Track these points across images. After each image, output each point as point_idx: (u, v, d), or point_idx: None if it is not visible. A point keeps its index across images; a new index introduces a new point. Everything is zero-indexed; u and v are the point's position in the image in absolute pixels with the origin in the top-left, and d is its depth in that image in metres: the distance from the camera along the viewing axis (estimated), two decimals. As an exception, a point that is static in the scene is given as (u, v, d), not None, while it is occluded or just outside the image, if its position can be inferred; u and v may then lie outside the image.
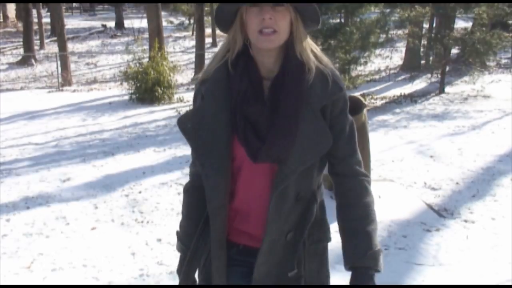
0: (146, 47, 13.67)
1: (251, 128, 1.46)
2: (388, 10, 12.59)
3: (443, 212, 4.55)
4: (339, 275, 3.43)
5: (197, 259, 1.63)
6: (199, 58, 16.42)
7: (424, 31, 14.23)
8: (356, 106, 4.50)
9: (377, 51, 13.15)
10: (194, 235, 1.64)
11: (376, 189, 5.00)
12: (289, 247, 1.54)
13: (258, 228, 1.53)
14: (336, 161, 1.56)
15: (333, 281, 3.48)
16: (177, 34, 25.83)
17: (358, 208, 1.55)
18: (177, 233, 1.78)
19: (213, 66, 1.54)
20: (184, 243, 1.70)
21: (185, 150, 6.98)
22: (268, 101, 1.47)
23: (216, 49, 23.41)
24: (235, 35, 1.49)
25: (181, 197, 5.10)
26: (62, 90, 14.17)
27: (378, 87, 13.84)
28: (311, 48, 1.53)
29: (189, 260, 1.63)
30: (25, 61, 18.90)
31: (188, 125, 1.53)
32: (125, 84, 12.47)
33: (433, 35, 13.28)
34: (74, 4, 43.45)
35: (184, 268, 1.64)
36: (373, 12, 13.38)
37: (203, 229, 1.61)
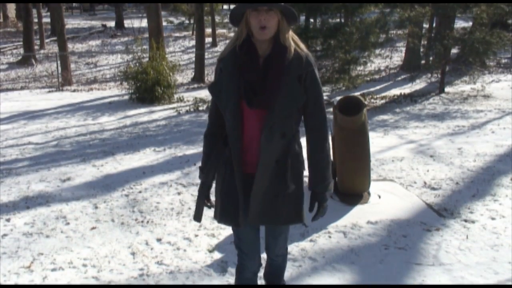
0: (146, 47, 13.67)
1: (249, 87, 2.29)
2: (387, 10, 12.59)
3: (443, 212, 4.55)
4: (339, 275, 3.44)
5: (212, 176, 2.48)
6: (199, 57, 16.43)
7: (424, 31, 14.23)
8: (356, 106, 4.50)
9: (377, 51, 13.14)
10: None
11: (376, 189, 5.00)
12: (277, 170, 2.35)
13: (254, 157, 2.34)
14: (307, 115, 2.38)
15: (333, 281, 3.49)
16: (177, 34, 25.84)
17: (321, 152, 2.41)
18: (200, 167, 2.56)
19: (228, 49, 2.36)
20: (203, 170, 2.52)
21: (185, 150, 6.98)
22: (262, 69, 2.29)
23: (216, 49, 23.48)
24: (242, 29, 2.30)
25: (181, 196, 5.10)
26: (62, 90, 14.17)
27: (378, 87, 13.85)
28: (292, 38, 2.33)
29: (206, 176, 2.48)
30: (25, 61, 18.91)
31: (214, 89, 2.38)
32: (125, 84, 12.48)
33: (433, 35, 13.28)
34: (74, 4, 43.47)
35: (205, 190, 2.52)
36: (373, 12, 13.38)
37: (217, 155, 2.44)
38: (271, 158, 2.32)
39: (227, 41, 2.51)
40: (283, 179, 2.37)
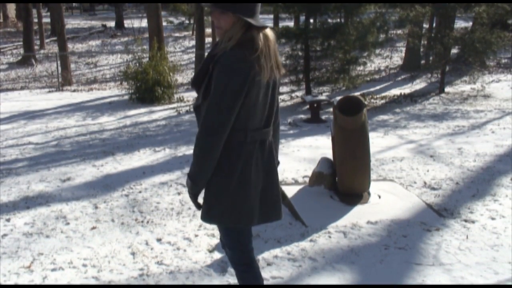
0: (146, 47, 13.67)
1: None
2: (384, 10, 12.59)
3: (443, 212, 4.55)
4: (339, 275, 3.44)
5: None
6: (199, 57, 16.41)
7: (424, 31, 14.23)
8: (356, 106, 4.50)
9: (377, 51, 13.15)
10: None
11: (376, 189, 5.00)
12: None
13: None
14: None
15: (333, 281, 3.49)
16: (177, 34, 25.83)
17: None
18: None
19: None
20: None
21: (185, 150, 6.98)
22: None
23: (216, 49, 23.44)
24: None
25: (181, 196, 5.10)
26: (62, 90, 14.17)
27: (378, 87, 13.85)
28: (232, 37, 2.26)
29: None
30: (25, 61, 18.90)
31: None
32: (125, 84, 12.48)
33: (433, 35, 13.28)
34: (74, 4, 43.47)
35: None
36: (373, 11, 13.37)
37: None
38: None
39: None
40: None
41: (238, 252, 2.52)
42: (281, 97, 12.04)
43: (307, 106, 9.90)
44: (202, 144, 2.27)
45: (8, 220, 4.46)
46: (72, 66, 17.60)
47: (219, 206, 2.36)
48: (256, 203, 2.40)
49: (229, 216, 2.37)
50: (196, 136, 2.29)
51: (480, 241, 3.95)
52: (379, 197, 4.83)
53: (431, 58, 14.33)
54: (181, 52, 22.00)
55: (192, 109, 10.41)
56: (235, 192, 2.33)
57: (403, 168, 5.98)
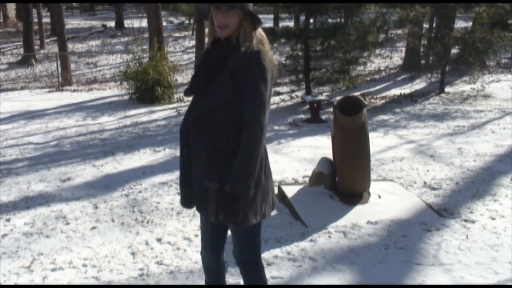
0: (146, 47, 13.66)
1: (194, 76, 2.41)
2: (384, 10, 12.59)
3: (443, 212, 4.55)
4: (339, 275, 3.44)
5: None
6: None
7: (424, 31, 14.23)
8: (356, 106, 4.50)
9: (377, 51, 13.15)
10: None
11: (376, 189, 5.00)
12: (210, 163, 2.30)
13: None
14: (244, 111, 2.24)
15: (333, 281, 3.49)
16: (177, 34, 25.82)
17: (243, 150, 2.23)
18: None
19: (207, 45, 2.43)
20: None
21: (185, 150, 6.98)
22: (210, 62, 2.33)
23: (216, 49, 23.30)
24: (210, 25, 2.34)
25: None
26: (62, 90, 14.17)
27: (378, 87, 13.85)
28: (258, 37, 2.32)
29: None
30: (25, 61, 18.89)
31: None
32: (125, 84, 12.47)
33: (433, 35, 13.29)
34: (74, 4, 43.44)
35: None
36: (374, 11, 13.38)
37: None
38: (202, 151, 2.30)
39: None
40: (215, 177, 2.30)
41: (254, 248, 2.51)
42: (281, 97, 12.04)
43: (307, 106, 9.89)
44: (260, 143, 2.23)
45: (8, 220, 4.46)
46: (72, 66, 17.59)
47: (255, 202, 2.32)
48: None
49: (261, 210, 2.37)
50: (250, 137, 2.20)
51: (480, 241, 3.95)
52: (379, 197, 4.83)
53: (431, 58, 14.32)
54: (181, 52, 22.00)
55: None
56: (266, 185, 2.37)
57: (403, 168, 5.98)
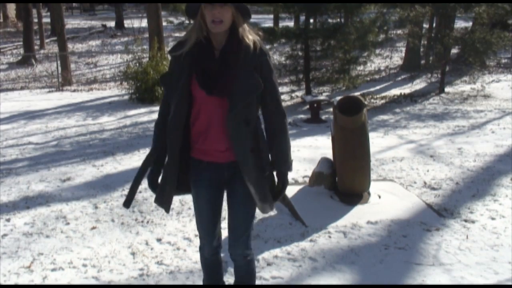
0: (146, 47, 13.67)
1: (207, 76, 2.33)
2: (385, 10, 12.59)
3: (443, 212, 4.55)
4: (339, 275, 3.44)
5: (158, 168, 2.56)
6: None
7: (424, 31, 14.23)
8: (356, 106, 4.50)
9: (377, 51, 13.14)
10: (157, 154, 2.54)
11: (376, 189, 5.00)
12: (254, 156, 2.42)
13: (213, 145, 2.42)
14: (267, 102, 2.45)
15: (333, 281, 3.49)
16: (177, 34, 25.80)
17: (284, 133, 2.52)
18: (147, 156, 2.56)
19: (183, 41, 2.41)
20: (150, 157, 2.55)
21: (185, 150, 6.98)
22: (218, 60, 2.34)
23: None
24: (199, 22, 2.35)
25: (180, 196, 5.07)
26: (62, 90, 14.17)
27: (378, 87, 13.85)
28: (248, 30, 2.39)
29: (153, 169, 2.56)
30: (25, 61, 18.89)
31: (165, 79, 2.45)
32: (125, 84, 12.47)
33: (433, 35, 13.28)
34: (74, 4, 43.43)
35: (150, 176, 2.58)
36: (374, 11, 13.37)
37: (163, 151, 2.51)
38: (242, 150, 2.39)
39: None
40: (261, 167, 2.47)
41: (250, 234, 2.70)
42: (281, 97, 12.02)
43: (307, 106, 9.89)
44: (288, 129, 2.58)
45: (8, 220, 4.46)
46: (72, 66, 17.59)
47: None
48: None
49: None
50: (285, 124, 2.51)
51: (480, 241, 3.94)
52: (379, 197, 4.83)
53: (431, 58, 14.32)
54: (181, 52, 21.98)
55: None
56: None
57: (403, 168, 5.98)
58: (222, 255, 3.69)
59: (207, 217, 2.61)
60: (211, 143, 2.42)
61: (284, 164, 2.53)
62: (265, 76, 2.38)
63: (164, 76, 2.48)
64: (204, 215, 2.62)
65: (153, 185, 2.60)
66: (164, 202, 2.57)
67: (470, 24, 15.60)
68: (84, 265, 3.60)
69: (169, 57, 2.55)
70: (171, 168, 2.46)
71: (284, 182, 2.55)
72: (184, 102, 2.37)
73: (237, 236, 2.60)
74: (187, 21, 26.20)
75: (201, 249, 2.76)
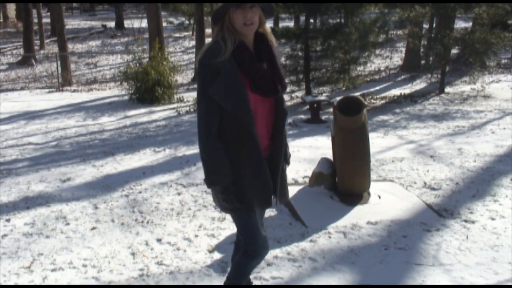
0: (146, 47, 13.66)
1: (262, 78, 2.43)
2: (386, 10, 12.59)
3: (443, 212, 4.55)
4: (339, 275, 3.44)
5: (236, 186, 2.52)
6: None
7: (424, 31, 14.23)
8: (356, 106, 4.50)
9: (377, 51, 13.14)
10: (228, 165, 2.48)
11: (376, 189, 5.00)
12: (283, 150, 2.62)
13: (264, 142, 2.52)
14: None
15: (333, 281, 3.49)
16: (177, 34, 25.83)
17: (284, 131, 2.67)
18: (212, 170, 2.48)
19: (214, 50, 2.38)
20: (225, 174, 2.48)
21: (185, 151, 6.98)
22: (267, 61, 2.48)
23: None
24: (227, 27, 2.40)
25: (180, 197, 5.08)
26: (62, 90, 14.18)
27: (378, 87, 13.85)
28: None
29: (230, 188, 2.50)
30: (25, 61, 18.90)
31: (218, 91, 2.38)
32: (125, 84, 12.48)
33: (433, 35, 13.28)
34: (74, 4, 43.46)
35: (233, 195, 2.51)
36: (374, 12, 13.38)
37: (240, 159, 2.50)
38: (283, 141, 2.60)
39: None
40: (284, 162, 2.68)
41: None
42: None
43: (307, 107, 9.89)
44: None
45: (8, 220, 4.46)
46: (72, 66, 17.60)
47: None
48: None
49: None
50: (286, 120, 2.64)
51: (480, 241, 3.94)
52: (379, 197, 4.83)
53: (431, 58, 14.32)
54: (181, 53, 22.01)
55: (192, 110, 10.41)
56: None
57: (403, 168, 5.98)
58: (223, 255, 3.71)
59: (259, 223, 2.73)
60: (261, 141, 2.53)
61: (288, 157, 2.75)
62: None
63: (215, 88, 2.39)
64: (257, 223, 2.70)
65: (241, 200, 2.53)
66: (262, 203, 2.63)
67: (470, 24, 15.61)
68: (84, 266, 3.59)
69: (197, 65, 2.49)
70: (262, 170, 2.53)
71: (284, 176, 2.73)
72: (250, 107, 2.41)
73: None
74: (187, 22, 26.25)
75: (261, 252, 2.81)
